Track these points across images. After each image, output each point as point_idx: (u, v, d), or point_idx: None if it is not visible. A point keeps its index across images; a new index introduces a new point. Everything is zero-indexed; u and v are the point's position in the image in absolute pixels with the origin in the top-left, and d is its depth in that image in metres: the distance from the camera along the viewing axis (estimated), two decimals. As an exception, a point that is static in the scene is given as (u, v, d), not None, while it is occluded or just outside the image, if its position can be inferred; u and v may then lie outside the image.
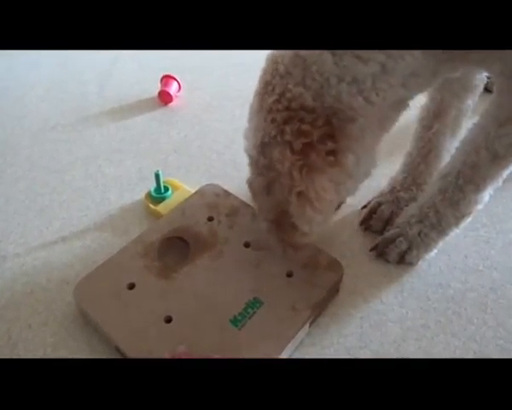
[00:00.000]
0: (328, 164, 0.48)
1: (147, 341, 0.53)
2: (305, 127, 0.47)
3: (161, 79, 0.99)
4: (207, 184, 0.73)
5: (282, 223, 0.55)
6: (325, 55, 0.47)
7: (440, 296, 0.62)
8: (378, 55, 0.47)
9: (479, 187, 0.60)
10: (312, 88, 0.47)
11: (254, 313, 0.55)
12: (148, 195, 0.75)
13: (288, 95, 0.48)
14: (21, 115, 0.97)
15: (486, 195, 0.62)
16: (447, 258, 0.67)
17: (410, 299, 0.62)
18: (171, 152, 0.87)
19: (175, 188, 0.76)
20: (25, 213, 0.75)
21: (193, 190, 0.73)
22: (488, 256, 0.67)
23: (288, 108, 0.48)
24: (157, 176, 0.73)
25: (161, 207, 0.72)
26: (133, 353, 0.52)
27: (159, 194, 0.74)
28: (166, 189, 0.75)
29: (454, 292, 0.63)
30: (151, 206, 0.73)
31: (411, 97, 0.53)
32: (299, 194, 0.48)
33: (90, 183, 0.80)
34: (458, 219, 0.63)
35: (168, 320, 0.55)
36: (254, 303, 0.56)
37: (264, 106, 0.50)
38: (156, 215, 0.72)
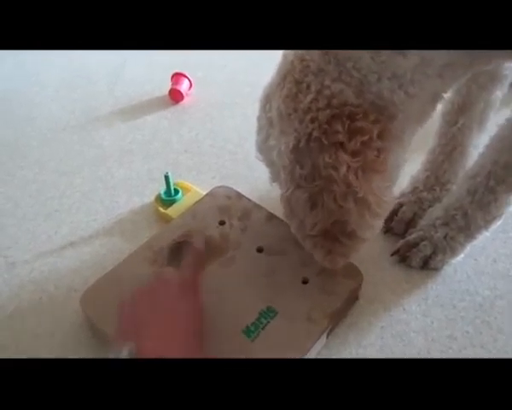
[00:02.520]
0: (382, 164, 0.44)
1: None
2: (360, 124, 0.43)
3: (172, 77, 0.97)
4: (219, 186, 0.70)
5: (331, 235, 0.48)
6: (360, 51, 0.43)
7: (468, 304, 0.58)
8: None
9: (511, 188, 0.56)
10: (352, 84, 0.44)
11: (268, 323, 0.52)
12: (158, 198, 0.72)
13: (327, 92, 0.44)
14: (31, 116, 0.95)
15: None
16: (474, 262, 0.63)
17: (435, 307, 0.58)
18: (181, 152, 0.84)
19: (185, 190, 0.73)
20: (34, 217, 0.73)
21: (204, 192, 0.71)
22: (519, 260, 0.63)
23: (329, 106, 0.43)
24: (167, 178, 0.70)
25: (171, 211, 0.69)
26: None
27: (169, 197, 0.71)
28: (177, 191, 0.72)
29: (482, 300, 0.59)
30: (161, 209, 0.70)
31: (447, 89, 0.49)
32: (359, 199, 0.44)
33: (99, 185, 0.78)
34: (488, 222, 0.59)
35: None
36: (268, 313, 0.53)
37: (299, 107, 0.45)
38: (166, 219, 0.69)
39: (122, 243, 0.68)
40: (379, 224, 0.48)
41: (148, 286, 0.50)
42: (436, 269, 0.61)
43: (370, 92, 0.44)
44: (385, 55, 0.43)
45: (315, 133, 0.44)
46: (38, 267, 0.65)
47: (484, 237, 0.61)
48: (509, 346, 0.54)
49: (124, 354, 0.40)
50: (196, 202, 0.68)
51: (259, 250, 0.60)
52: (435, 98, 0.49)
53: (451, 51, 0.43)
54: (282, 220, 0.64)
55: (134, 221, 0.71)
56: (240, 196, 0.68)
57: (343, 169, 0.43)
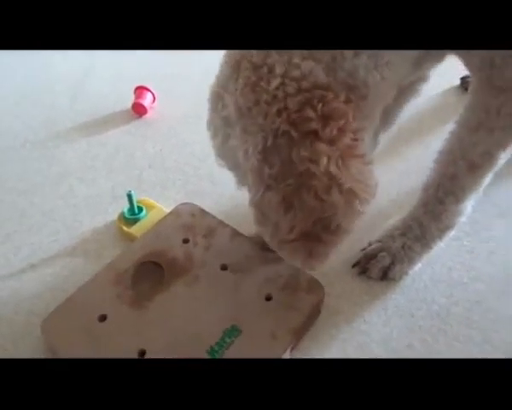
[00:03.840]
0: (360, 147, 0.40)
1: None
2: (333, 106, 0.38)
3: (135, 91, 0.96)
4: (183, 204, 0.70)
5: (312, 235, 0.43)
6: None
7: (425, 313, 0.60)
8: None
9: (458, 198, 0.58)
10: (323, 61, 0.40)
11: (232, 342, 0.53)
12: (121, 216, 0.71)
13: (296, 73, 0.39)
14: (-12, 133, 0.92)
15: (468, 206, 0.61)
16: (431, 271, 0.66)
17: (395, 317, 0.60)
18: (145, 167, 0.83)
19: (149, 208, 0.73)
20: (-9, 239, 0.71)
21: (168, 210, 0.70)
22: (473, 267, 0.66)
23: (300, 90, 0.39)
24: (129, 196, 0.70)
25: (135, 229, 0.69)
26: None
27: (132, 215, 0.71)
28: (140, 209, 0.72)
29: (439, 308, 0.61)
30: (124, 228, 0.70)
31: (414, 76, 0.51)
32: (345, 190, 0.39)
33: (60, 204, 0.77)
34: (442, 232, 0.61)
35: (142, 354, 0.52)
36: (232, 331, 0.54)
37: (261, 98, 0.39)
38: (130, 238, 0.69)
39: (85, 264, 0.67)
40: (367, 210, 0.43)
41: None
42: (395, 279, 0.63)
43: (343, 69, 0.40)
44: None
45: (283, 127, 0.39)
46: (-3, 292, 0.64)
47: (439, 246, 0.64)
48: (464, 353, 0.56)
49: None
50: (160, 221, 0.68)
51: (224, 268, 0.61)
52: (401, 82, 0.48)
53: None
54: (247, 237, 0.64)
55: (97, 241, 0.70)
56: (204, 213, 0.69)
57: (323, 161, 0.38)
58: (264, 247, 0.59)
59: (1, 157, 0.86)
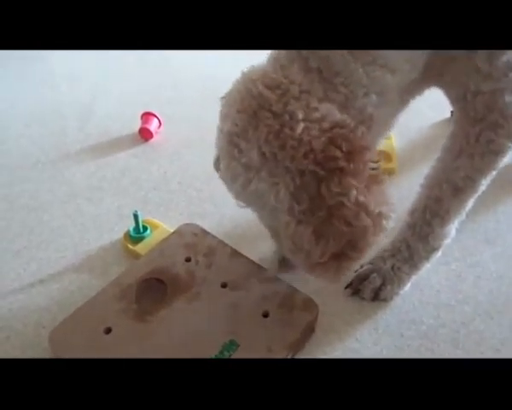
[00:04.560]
0: (380, 175, 0.45)
1: None
2: (357, 143, 0.42)
3: (142, 116, 1.01)
4: (186, 224, 0.74)
5: (341, 254, 0.47)
6: (353, 66, 0.44)
7: (414, 333, 0.64)
8: (404, 64, 0.46)
9: (444, 220, 0.62)
10: (337, 101, 0.44)
11: (230, 356, 0.56)
12: (127, 235, 0.75)
13: (316, 115, 0.43)
14: (0, 152, 0.97)
15: (452, 228, 0.65)
16: (420, 293, 0.69)
17: (385, 336, 0.63)
18: (150, 189, 0.88)
19: (154, 227, 0.76)
20: (2, 254, 0.74)
21: (172, 229, 0.74)
22: (460, 290, 0.69)
23: (322, 131, 0.42)
24: (135, 216, 0.74)
25: (140, 248, 0.72)
26: None
27: (137, 234, 0.74)
28: (145, 228, 0.75)
29: (427, 328, 0.64)
30: (129, 246, 0.73)
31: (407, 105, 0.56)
32: (373, 214, 0.44)
33: (68, 222, 0.80)
34: (429, 253, 0.65)
35: None
36: (230, 346, 0.57)
37: (287, 143, 0.43)
38: (135, 255, 0.72)
39: (91, 280, 0.70)
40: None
41: None
42: (386, 300, 0.67)
43: (354, 107, 0.45)
44: (378, 70, 0.45)
45: (310, 167, 0.42)
46: (7, 305, 0.66)
47: (428, 269, 0.67)
48: (450, 371, 0.59)
49: None
50: (164, 239, 0.71)
51: (223, 286, 0.64)
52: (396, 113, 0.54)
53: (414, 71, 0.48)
54: (245, 257, 0.68)
55: (103, 258, 0.74)
56: (205, 233, 0.72)
57: (353, 193, 0.42)
58: (282, 264, 0.64)
59: (13, 177, 0.90)
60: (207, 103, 1.15)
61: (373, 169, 0.45)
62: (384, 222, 0.46)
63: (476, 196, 0.61)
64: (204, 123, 1.05)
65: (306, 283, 0.67)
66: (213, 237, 0.72)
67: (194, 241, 0.71)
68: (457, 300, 0.68)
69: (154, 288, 0.65)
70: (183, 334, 0.58)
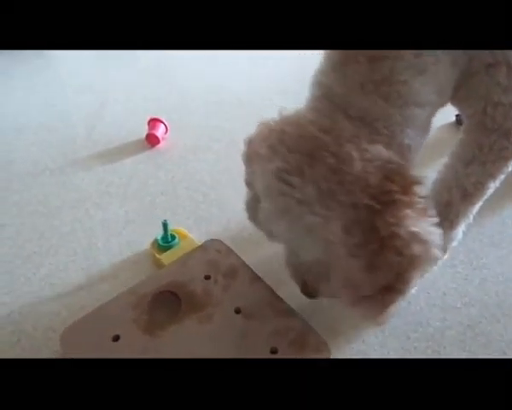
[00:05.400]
0: (427, 205, 0.47)
1: None
2: (409, 176, 0.46)
3: (148, 122, 1.02)
4: (211, 240, 0.73)
5: (388, 287, 0.48)
6: (390, 111, 0.49)
7: (420, 335, 0.64)
8: (431, 96, 0.51)
9: (453, 224, 0.63)
10: (381, 141, 0.48)
11: None
12: (155, 243, 0.75)
13: (368, 155, 0.46)
14: (10, 159, 0.98)
15: (460, 232, 0.65)
16: (427, 295, 0.69)
17: (391, 338, 0.63)
18: (158, 194, 0.89)
19: (182, 237, 0.76)
20: (12, 259, 0.75)
21: (197, 241, 0.74)
22: (466, 293, 0.70)
23: (377, 168, 0.46)
24: (165, 225, 0.73)
25: (165, 257, 0.72)
26: None
27: (166, 243, 0.74)
28: (173, 237, 0.75)
29: (433, 330, 0.64)
30: (156, 255, 0.73)
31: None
32: (423, 242, 0.46)
33: (77, 227, 0.81)
34: None
35: None
36: None
37: (345, 179, 0.45)
38: (159, 265, 0.72)
39: (100, 285, 0.71)
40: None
41: None
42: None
43: (396, 144, 0.50)
44: (410, 109, 0.49)
45: (366, 201, 0.45)
46: (17, 309, 0.68)
47: (434, 272, 0.68)
48: (457, 373, 0.59)
49: None
50: (187, 253, 0.71)
51: (237, 311, 0.62)
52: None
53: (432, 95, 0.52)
54: (265, 283, 0.66)
55: (111, 263, 0.75)
56: (229, 251, 0.71)
57: (407, 223, 0.45)
58: (305, 291, 0.60)
59: (22, 183, 0.92)
60: (213, 109, 1.17)
61: (422, 198, 0.47)
62: (434, 251, 0.47)
63: (484, 199, 0.62)
64: (210, 129, 1.07)
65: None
66: (237, 257, 0.70)
67: (216, 258, 0.69)
68: (464, 302, 0.68)
69: (168, 301, 0.64)
70: (188, 355, 0.56)
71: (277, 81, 1.24)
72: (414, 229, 0.45)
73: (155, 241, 0.75)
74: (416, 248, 0.46)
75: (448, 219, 0.63)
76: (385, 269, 0.46)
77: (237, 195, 0.68)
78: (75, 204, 0.86)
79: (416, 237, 0.45)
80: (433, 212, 0.49)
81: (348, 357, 0.61)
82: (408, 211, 0.45)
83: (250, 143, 0.55)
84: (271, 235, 0.55)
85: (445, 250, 0.65)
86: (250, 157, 0.55)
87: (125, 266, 0.74)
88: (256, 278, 0.67)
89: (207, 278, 0.66)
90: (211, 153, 1.00)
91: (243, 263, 0.69)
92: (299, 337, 0.59)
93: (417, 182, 0.47)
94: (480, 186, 0.60)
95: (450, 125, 1.06)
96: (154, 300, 0.63)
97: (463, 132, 0.62)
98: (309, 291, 0.60)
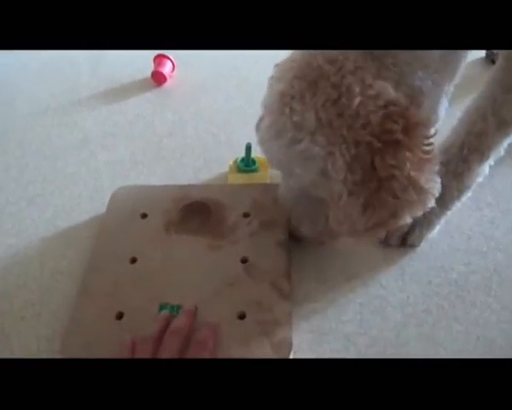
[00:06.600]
0: (432, 151, 0.46)
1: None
2: (415, 119, 0.44)
3: (154, 59, 0.96)
4: (275, 183, 0.65)
5: (381, 223, 0.49)
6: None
7: (443, 280, 0.60)
8: None
9: (483, 156, 0.59)
10: (389, 79, 0.45)
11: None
12: (234, 165, 0.73)
13: (371, 92, 0.44)
14: (11, 98, 0.94)
15: (487, 166, 0.61)
16: (450, 239, 0.65)
17: (412, 283, 0.60)
18: (165, 135, 0.84)
19: (263, 166, 0.72)
20: (16, 202, 0.73)
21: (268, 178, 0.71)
22: (492, 237, 0.65)
23: (378, 106, 0.44)
24: (248, 148, 0.70)
25: (231, 177, 0.71)
26: None
27: (246, 166, 0.71)
28: (254, 162, 0.72)
29: (457, 275, 0.61)
30: (230, 175, 0.72)
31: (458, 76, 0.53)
32: (420, 190, 0.46)
33: (82, 169, 0.78)
34: (461, 192, 0.61)
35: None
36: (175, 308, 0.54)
37: (344, 112, 0.44)
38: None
39: (106, 226, 0.68)
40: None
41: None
42: (414, 245, 0.63)
43: (406, 85, 0.46)
44: None
45: (366, 138, 0.43)
46: (23, 251, 0.66)
47: (459, 215, 0.64)
48: (481, 319, 0.56)
49: None
50: (247, 185, 0.68)
51: (243, 261, 0.58)
52: (450, 83, 0.52)
53: None
54: (287, 256, 0.59)
55: (118, 204, 0.72)
56: (276, 202, 0.63)
57: (407, 167, 0.44)
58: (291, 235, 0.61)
59: (24, 123, 0.88)
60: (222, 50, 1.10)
61: (427, 145, 0.46)
62: (429, 199, 0.47)
63: None
64: (220, 65, 1.00)
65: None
66: (282, 211, 0.62)
67: (262, 202, 0.65)
68: (490, 247, 0.64)
69: (200, 212, 0.64)
70: (180, 268, 0.58)
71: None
72: (412, 174, 0.44)
73: (235, 162, 0.73)
74: (412, 195, 0.46)
75: (479, 151, 0.58)
76: (380, 209, 0.47)
77: (248, 135, 0.64)
78: (79, 145, 0.83)
79: (413, 182, 0.45)
80: (436, 159, 0.48)
81: (365, 303, 0.58)
82: (409, 154, 0.44)
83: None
84: (270, 160, 0.54)
85: (470, 186, 0.61)
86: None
87: (132, 208, 0.71)
88: (281, 245, 0.60)
89: (246, 215, 0.64)
90: (220, 91, 0.94)
91: (280, 223, 0.62)
92: (270, 317, 0.53)
93: (421, 124, 0.45)
94: None
95: (481, 60, 0.98)
96: (189, 205, 0.65)
97: (504, 59, 0.56)
98: (292, 230, 0.60)
